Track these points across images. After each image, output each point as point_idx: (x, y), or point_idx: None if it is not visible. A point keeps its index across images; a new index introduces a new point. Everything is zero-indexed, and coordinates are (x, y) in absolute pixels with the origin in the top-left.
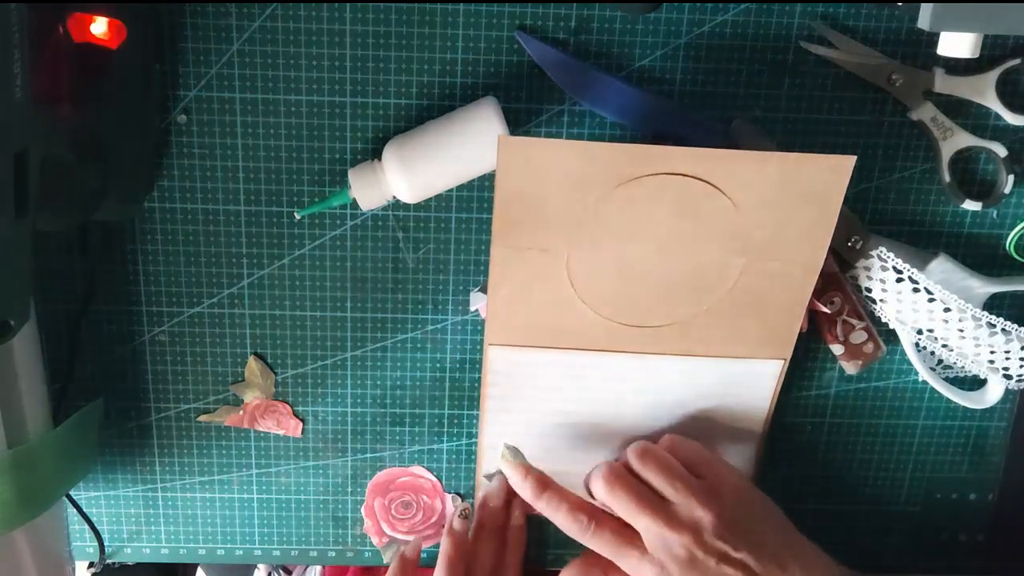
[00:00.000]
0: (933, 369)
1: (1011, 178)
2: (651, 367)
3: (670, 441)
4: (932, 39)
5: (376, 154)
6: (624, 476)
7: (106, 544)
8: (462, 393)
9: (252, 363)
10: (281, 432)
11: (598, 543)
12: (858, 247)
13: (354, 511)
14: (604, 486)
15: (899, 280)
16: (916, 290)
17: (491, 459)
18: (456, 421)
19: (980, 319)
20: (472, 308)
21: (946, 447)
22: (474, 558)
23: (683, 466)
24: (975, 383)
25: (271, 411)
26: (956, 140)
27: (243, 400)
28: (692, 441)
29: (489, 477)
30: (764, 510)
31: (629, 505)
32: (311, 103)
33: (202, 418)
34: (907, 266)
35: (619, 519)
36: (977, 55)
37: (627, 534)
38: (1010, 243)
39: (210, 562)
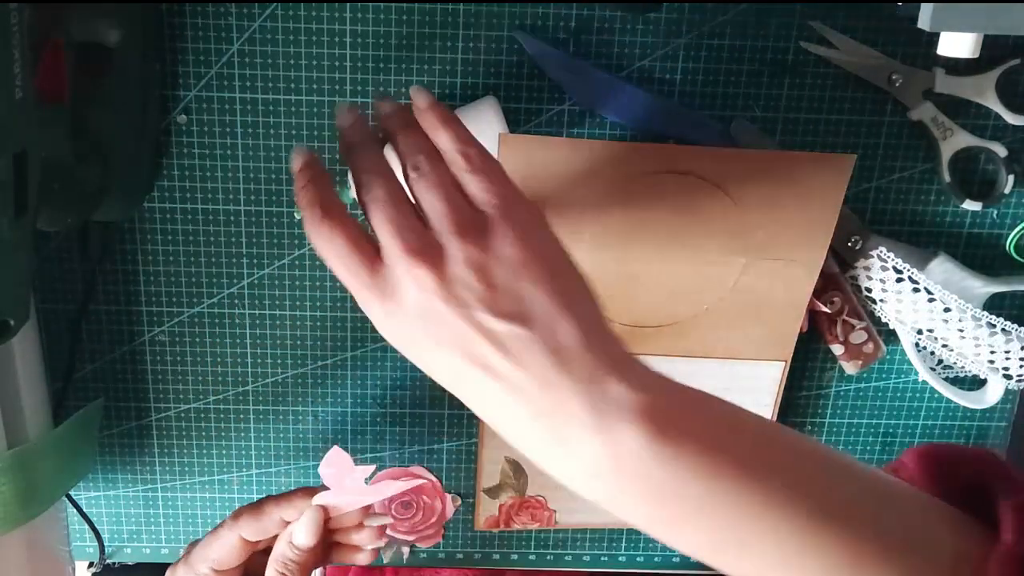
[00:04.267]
0: (933, 369)
1: (1011, 178)
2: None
3: (460, 142)
4: (932, 39)
5: None
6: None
7: (106, 544)
8: None
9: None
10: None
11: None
12: (858, 247)
13: None
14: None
15: (899, 280)
16: (916, 290)
17: (491, 459)
18: (456, 421)
19: (980, 319)
20: None
21: None
22: None
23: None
24: (975, 383)
25: (526, 507)
26: (956, 140)
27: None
28: (488, 155)
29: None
30: (555, 267)
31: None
32: (311, 103)
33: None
34: (907, 266)
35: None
36: (977, 55)
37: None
38: (1010, 243)
39: None
